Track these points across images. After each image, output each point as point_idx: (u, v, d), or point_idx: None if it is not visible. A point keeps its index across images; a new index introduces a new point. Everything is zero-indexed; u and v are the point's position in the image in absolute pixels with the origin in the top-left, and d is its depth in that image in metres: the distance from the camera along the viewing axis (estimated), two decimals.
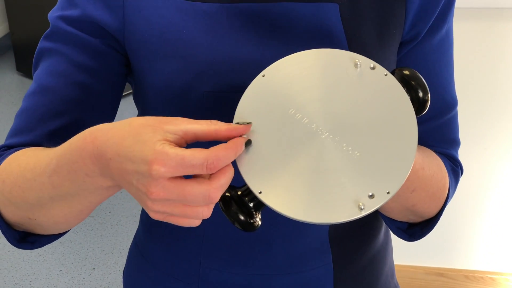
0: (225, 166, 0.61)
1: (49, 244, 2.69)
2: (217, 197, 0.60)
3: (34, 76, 0.81)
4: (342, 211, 0.61)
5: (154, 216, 0.62)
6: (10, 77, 4.19)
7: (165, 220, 0.62)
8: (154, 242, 0.92)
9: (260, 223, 0.67)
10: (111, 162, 0.61)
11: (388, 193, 0.61)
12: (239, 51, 0.76)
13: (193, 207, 0.60)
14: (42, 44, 0.81)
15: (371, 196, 0.61)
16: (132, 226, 2.81)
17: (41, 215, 0.73)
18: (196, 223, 0.62)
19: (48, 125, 0.78)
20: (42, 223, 0.75)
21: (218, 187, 0.60)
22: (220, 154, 0.60)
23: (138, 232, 0.97)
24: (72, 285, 2.49)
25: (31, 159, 0.72)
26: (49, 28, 0.81)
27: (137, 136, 0.60)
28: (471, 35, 1.96)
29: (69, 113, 0.78)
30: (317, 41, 0.76)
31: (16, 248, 2.67)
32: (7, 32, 4.44)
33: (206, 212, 0.61)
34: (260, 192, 0.63)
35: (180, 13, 0.77)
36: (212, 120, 0.63)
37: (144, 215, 0.95)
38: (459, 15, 1.92)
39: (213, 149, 0.60)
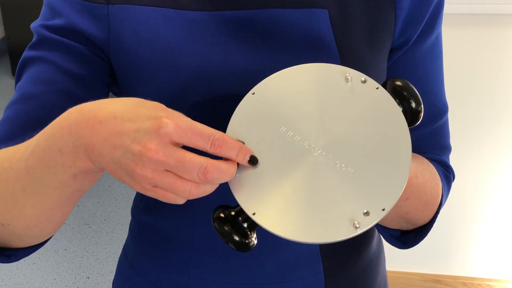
0: (227, 161, 0.60)
1: (43, 252, 2.69)
2: (213, 176, 0.59)
3: (16, 87, 0.80)
4: (337, 230, 0.60)
5: (139, 186, 0.60)
6: (5, 82, 4.19)
7: (150, 193, 0.60)
8: (143, 252, 0.91)
9: (255, 242, 0.66)
10: (99, 126, 0.59)
11: (383, 209, 0.60)
12: (228, 59, 0.75)
13: (184, 181, 0.59)
14: (26, 54, 0.80)
15: (366, 214, 0.60)
16: (127, 234, 2.80)
17: (14, 217, 0.71)
18: (180, 201, 0.61)
19: (31, 134, 0.75)
20: (15, 229, 0.73)
21: (217, 167, 0.59)
22: (226, 137, 0.60)
23: (127, 243, 0.96)
24: None
25: (10, 150, 0.71)
26: (34, 38, 0.80)
27: (141, 102, 0.59)
28: (470, 41, 1.96)
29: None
30: (307, 47, 0.76)
31: None
32: (3, 36, 4.46)
33: (195, 190, 0.59)
34: (254, 214, 0.62)
35: (167, 22, 0.76)
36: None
37: (133, 226, 0.94)
38: (458, 21, 1.92)
39: (220, 132, 0.60)
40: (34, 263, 2.62)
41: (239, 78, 0.74)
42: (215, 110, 0.74)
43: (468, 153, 2.10)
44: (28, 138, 0.75)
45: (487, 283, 2.27)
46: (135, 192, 0.92)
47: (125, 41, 0.76)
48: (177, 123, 0.57)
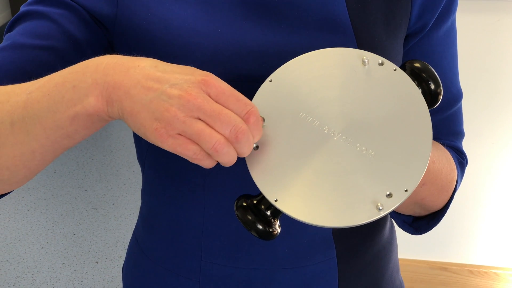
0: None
1: (52, 236, 2.70)
2: (242, 138, 0.59)
3: (5, 37, 0.76)
4: (361, 213, 0.60)
5: (163, 131, 0.58)
6: None
7: (170, 140, 0.58)
8: (154, 237, 0.91)
9: (279, 230, 0.65)
10: (135, 69, 0.60)
11: (406, 191, 0.60)
12: (243, 40, 0.74)
13: (213, 131, 0.58)
14: (24, 8, 0.77)
15: (389, 195, 0.60)
16: (135, 219, 2.81)
17: None
18: (196, 157, 0.60)
19: (11, 83, 0.72)
20: None
21: (247, 132, 0.59)
22: (259, 115, 0.61)
23: (137, 227, 0.96)
24: (74, 278, 2.48)
25: (8, 87, 0.68)
26: None
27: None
28: (480, 28, 1.95)
29: (36, 77, 0.71)
30: (322, 30, 0.75)
31: (18, 240, 2.67)
32: (10, 19, 4.44)
33: (221, 144, 0.58)
34: (276, 200, 0.62)
35: (181, 1, 0.75)
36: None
37: (143, 210, 0.94)
38: (468, 7, 1.91)
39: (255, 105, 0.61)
40: (42, 247, 2.64)
41: (254, 59, 0.74)
42: None
43: (477, 140, 2.09)
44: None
45: (493, 271, 2.27)
46: (144, 177, 0.92)
47: (136, 18, 0.75)
48: (218, 82, 0.59)
